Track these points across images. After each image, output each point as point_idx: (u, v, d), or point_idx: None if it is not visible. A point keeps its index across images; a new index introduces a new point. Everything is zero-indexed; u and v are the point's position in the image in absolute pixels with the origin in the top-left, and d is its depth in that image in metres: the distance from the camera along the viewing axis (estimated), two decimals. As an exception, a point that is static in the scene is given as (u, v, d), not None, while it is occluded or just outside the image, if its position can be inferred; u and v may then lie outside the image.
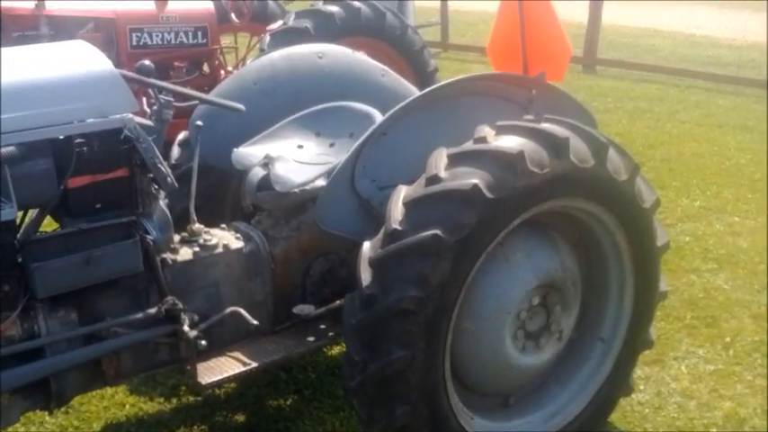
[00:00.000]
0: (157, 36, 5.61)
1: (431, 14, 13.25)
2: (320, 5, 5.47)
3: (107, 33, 5.43)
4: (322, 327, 2.92)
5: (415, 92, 3.44)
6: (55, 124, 2.19)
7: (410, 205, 2.32)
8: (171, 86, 2.65)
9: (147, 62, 2.58)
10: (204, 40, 5.86)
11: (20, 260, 2.27)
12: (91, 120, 2.24)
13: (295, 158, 2.95)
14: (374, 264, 2.31)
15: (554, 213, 2.66)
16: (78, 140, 2.21)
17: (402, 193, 2.39)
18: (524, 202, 2.40)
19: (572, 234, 2.83)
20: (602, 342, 2.92)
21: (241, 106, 2.85)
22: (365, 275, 2.32)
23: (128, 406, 3.32)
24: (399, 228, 2.27)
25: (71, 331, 2.35)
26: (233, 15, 6.41)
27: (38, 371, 2.30)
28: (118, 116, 2.28)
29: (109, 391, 3.28)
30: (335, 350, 3.68)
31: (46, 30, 5.13)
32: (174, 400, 3.36)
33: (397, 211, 2.32)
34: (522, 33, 2.98)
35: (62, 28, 5.28)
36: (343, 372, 2.49)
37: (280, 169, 2.83)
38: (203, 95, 2.92)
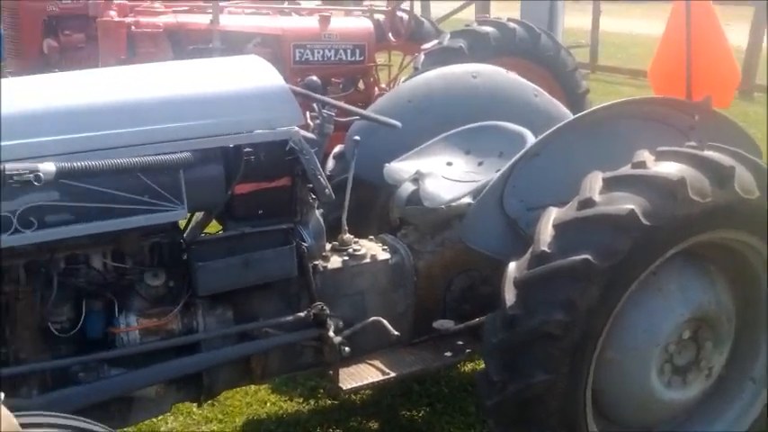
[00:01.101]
0: (319, 52, 5.87)
1: (579, 36, 13.00)
2: (475, 26, 5.52)
3: (273, 48, 5.73)
4: (459, 343, 2.94)
5: (568, 113, 3.41)
6: (227, 134, 2.34)
7: (560, 228, 2.30)
8: (334, 102, 2.77)
9: (314, 78, 2.72)
10: (362, 58, 6.07)
11: (185, 258, 2.45)
12: (260, 131, 2.38)
13: (444, 175, 3.00)
14: (520, 285, 2.30)
15: (712, 245, 2.54)
16: (247, 150, 2.35)
17: (552, 215, 2.36)
18: (682, 231, 2.32)
19: (729, 267, 2.69)
20: (754, 382, 2.76)
21: (397, 123, 2.92)
22: (509, 296, 2.32)
23: (269, 403, 3.47)
24: (548, 250, 2.25)
25: (226, 329, 2.48)
26: (390, 34, 6.59)
27: (194, 364, 2.44)
28: (285, 128, 2.41)
29: (252, 387, 3.44)
30: (469, 366, 3.68)
31: (218, 44, 5.49)
32: (312, 402, 3.48)
33: (546, 233, 2.30)
34: (688, 56, 2.86)
35: (232, 42, 5.64)
36: (480, 390, 2.49)
37: (429, 185, 2.88)
38: (363, 111, 3.03)
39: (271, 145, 2.42)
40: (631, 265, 2.26)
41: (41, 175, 1.96)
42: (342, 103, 2.89)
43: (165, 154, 2.21)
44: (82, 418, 1.86)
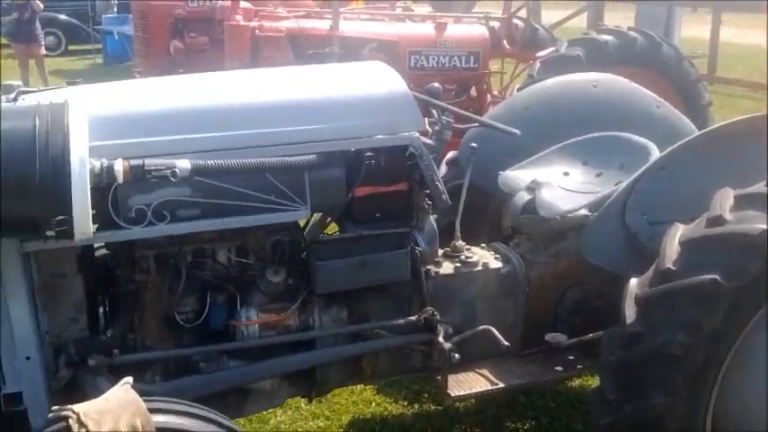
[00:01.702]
0: (434, 59, 5.91)
1: (696, 46, 12.47)
2: (594, 34, 5.41)
3: (388, 54, 5.81)
4: (570, 358, 2.88)
5: (691, 126, 3.29)
6: (350, 137, 2.39)
7: (687, 245, 2.22)
8: (454, 109, 2.78)
9: (436, 85, 2.74)
10: (476, 65, 6.06)
11: (304, 257, 2.52)
12: (381, 136, 2.42)
13: (561, 185, 2.95)
14: (641, 302, 2.24)
15: None
16: (368, 153, 2.40)
17: (679, 231, 2.28)
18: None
19: None
20: None
21: (516, 131, 2.90)
22: (630, 313, 2.25)
23: (374, 404, 3.52)
24: (673, 267, 2.18)
25: (340, 328, 2.54)
26: (505, 42, 6.54)
27: (308, 360, 2.51)
28: (406, 134, 2.44)
29: (358, 387, 3.50)
30: (577, 382, 3.60)
31: (336, 49, 5.62)
32: (417, 406, 3.50)
33: (672, 250, 2.22)
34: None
35: (349, 47, 5.76)
36: (593, 408, 2.43)
37: (545, 195, 2.84)
38: (483, 119, 3.03)
39: (391, 150, 2.45)
40: (761, 286, 2.15)
41: (178, 171, 2.06)
42: (461, 111, 2.89)
43: (290, 155, 2.28)
44: (202, 407, 1.94)
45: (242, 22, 5.85)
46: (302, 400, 3.13)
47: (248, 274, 2.46)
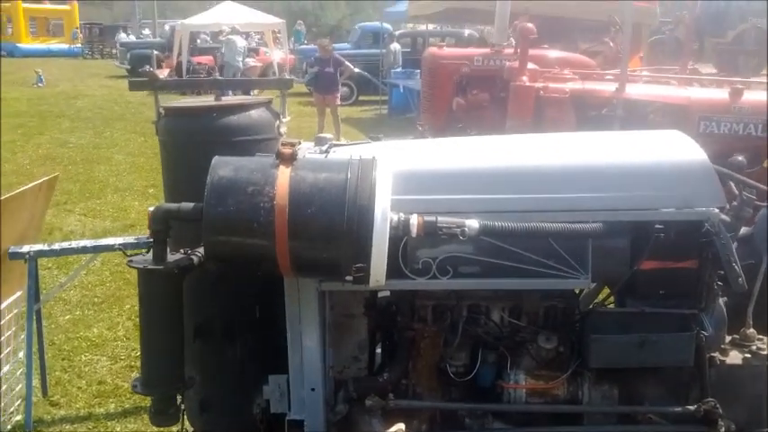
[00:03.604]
0: (725, 125, 5.52)
1: None
2: None
3: (675, 118, 5.54)
4: None
5: None
6: (640, 208, 2.31)
7: None
8: (757, 184, 2.57)
9: (740, 158, 2.56)
10: (771, 133, 5.56)
11: (578, 327, 2.45)
12: (675, 209, 2.30)
13: None
14: None
15: None
16: (658, 226, 2.29)
17: None
18: None
19: None
20: None
21: None
22: None
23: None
24: None
25: (610, 406, 2.42)
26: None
27: None
28: (703, 209, 2.30)
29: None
30: None
31: (620, 111, 5.49)
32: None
33: None
34: None
35: (632, 110, 5.59)
36: None
37: None
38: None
39: (684, 224, 2.32)
40: None
41: (466, 230, 2.13)
42: (762, 186, 2.66)
43: (576, 222, 2.25)
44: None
45: (527, 83, 5.95)
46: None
47: (520, 336, 2.46)
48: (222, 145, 2.42)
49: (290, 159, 2.08)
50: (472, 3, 13.03)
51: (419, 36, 22.00)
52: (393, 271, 2.23)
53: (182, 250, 2.16)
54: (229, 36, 20.75)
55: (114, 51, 39.70)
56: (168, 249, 2.15)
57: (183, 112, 2.74)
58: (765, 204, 2.79)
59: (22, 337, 3.50)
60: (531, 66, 6.20)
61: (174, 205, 2.18)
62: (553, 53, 8.35)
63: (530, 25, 6.62)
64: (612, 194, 2.32)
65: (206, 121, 2.61)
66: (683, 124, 5.49)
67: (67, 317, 5.45)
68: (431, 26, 22.56)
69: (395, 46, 20.17)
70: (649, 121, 5.35)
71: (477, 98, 7.72)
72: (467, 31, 22.28)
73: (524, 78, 5.99)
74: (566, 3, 12.31)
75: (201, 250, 2.11)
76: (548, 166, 2.43)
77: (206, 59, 23.09)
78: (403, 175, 2.28)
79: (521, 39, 6.62)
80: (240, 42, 20.92)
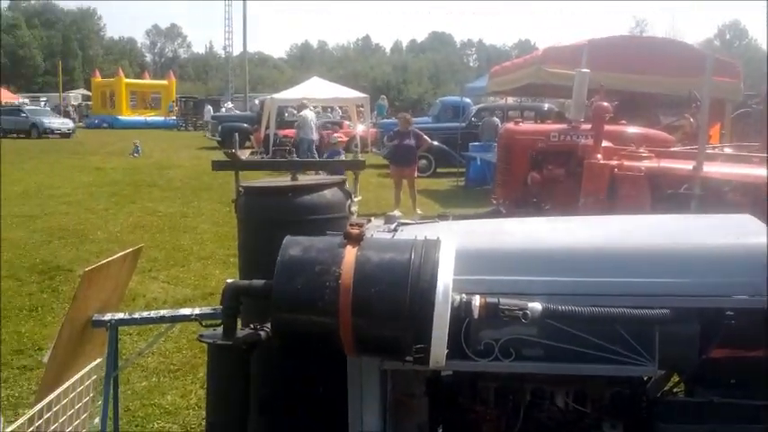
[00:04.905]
0: (807, 207, 5.32)
1: None
2: None
3: (755, 199, 5.40)
4: None
5: None
6: (710, 295, 2.26)
7: None
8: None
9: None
10: None
11: (645, 415, 2.39)
12: (746, 297, 2.25)
13: None
14: None
15: None
16: (728, 313, 2.24)
17: None
18: None
19: None
20: None
21: None
22: None
23: None
24: None
25: None
26: None
27: None
28: None
29: None
30: None
31: (698, 190, 5.39)
32: None
33: None
34: None
35: (710, 189, 5.48)
36: None
37: None
38: None
39: (756, 312, 2.26)
40: None
41: (529, 313, 2.14)
42: None
43: (643, 308, 2.22)
44: None
45: (602, 161, 5.94)
46: None
47: (584, 422, 2.41)
48: (296, 224, 2.53)
49: (356, 239, 2.16)
50: (551, 78, 13.15)
51: (499, 110, 22.27)
52: (455, 352, 2.24)
53: (251, 325, 2.25)
54: (301, 113, 21.84)
55: (204, 122, 41.59)
56: (239, 322, 2.24)
57: (261, 191, 2.88)
58: None
59: (99, 402, 3.63)
60: (606, 143, 6.20)
61: (245, 282, 2.28)
62: (631, 129, 8.31)
63: (605, 104, 6.64)
64: (682, 280, 2.28)
65: (281, 201, 2.74)
66: (762, 204, 5.34)
67: (144, 383, 5.62)
68: (510, 100, 22.81)
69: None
70: (727, 200, 5.22)
71: (552, 173, 7.73)
72: (546, 105, 22.42)
73: (599, 156, 5.97)
74: (644, 78, 12.28)
75: (269, 326, 2.20)
76: (615, 249, 2.42)
77: (292, 132, 23.99)
78: (467, 254, 2.31)
79: (595, 116, 6.63)
80: (311, 116, 21.97)
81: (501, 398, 2.42)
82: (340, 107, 33.80)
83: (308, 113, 21.84)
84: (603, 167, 5.83)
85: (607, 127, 6.63)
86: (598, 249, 2.42)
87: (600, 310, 2.19)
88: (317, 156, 19.53)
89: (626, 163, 5.84)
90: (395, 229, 2.55)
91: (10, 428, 3.22)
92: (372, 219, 2.76)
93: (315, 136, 21.30)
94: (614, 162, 5.86)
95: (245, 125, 30.23)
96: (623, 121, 8.46)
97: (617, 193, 5.66)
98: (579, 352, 2.26)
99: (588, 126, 7.73)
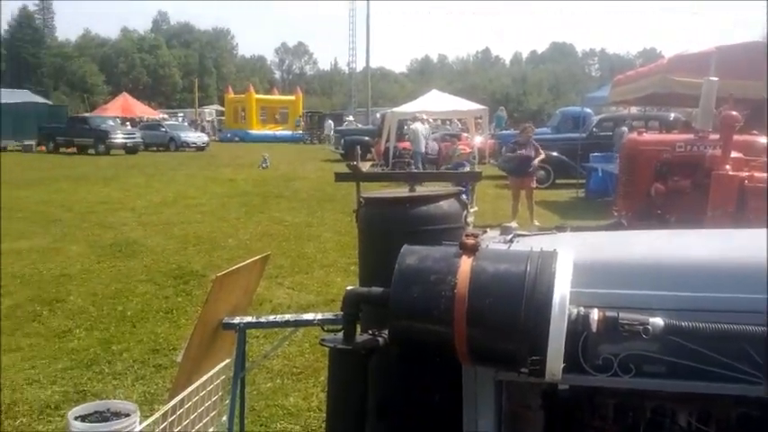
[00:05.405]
0: None
1: None
2: None
3: None
4: None
5: None
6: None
7: None
8: None
9: None
10: None
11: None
12: None
13: None
14: None
15: None
16: None
17: None
18: None
19: None
20: None
21: None
22: None
23: None
24: None
25: None
26: None
27: None
28: None
29: None
30: None
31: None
32: None
33: None
34: None
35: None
36: None
37: None
38: None
39: None
40: None
41: (650, 328, 2.09)
42: None
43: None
44: None
45: (731, 173, 5.68)
46: None
47: None
48: (413, 234, 2.59)
49: (472, 250, 2.18)
50: (678, 87, 12.64)
51: (621, 120, 21.61)
52: (572, 365, 2.22)
53: (369, 331, 2.33)
54: (412, 126, 22.26)
55: (326, 136, 42.82)
56: (359, 328, 2.32)
57: (380, 202, 2.96)
58: None
59: (227, 401, 3.82)
60: (735, 154, 5.92)
61: (364, 289, 2.37)
62: (762, 139, 7.87)
63: (734, 113, 6.34)
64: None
65: (400, 212, 2.81)
66: None
67: (268, 384, 5.85)
68: (633, 109, 22.07)
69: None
70: None
71: (677, 185, 7.45)
72: (672, 115, 21.51)
73: (727, 167, 5.71)
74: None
75: (387, 333, 2.26)
76: (741, 264, 2.33)
77: (410, 145, 24.29)
78: (585, 266, 2.29)
79: (724, 126, 6.34)
80: (421, 129, 22.35)
81: (620, 414, 2.37)
82: (459, 119, 33.81)
83: (419, 126, 22.26)
84: (732, 179, 5.56)
85: (736, 137, 6.32)
86: (723, 264, 2.33)
87: (726, 328, 2.11)
88: (421, 167, 19.76)
89: (756, 174, 5.56)
90: (511, 240, 2.56)
91: (146, 423, 3.46)
92: (488, 230, 2.78)
93: (424, 148, 21.74)
94: (744, 173, 5.59)
95: (367, 138, 30.88)
96: (754, 131, 8.03)
97: (746, 206, 5.38)
98: (704, 370, 2.18)
99: (716, 136, 7.39)
